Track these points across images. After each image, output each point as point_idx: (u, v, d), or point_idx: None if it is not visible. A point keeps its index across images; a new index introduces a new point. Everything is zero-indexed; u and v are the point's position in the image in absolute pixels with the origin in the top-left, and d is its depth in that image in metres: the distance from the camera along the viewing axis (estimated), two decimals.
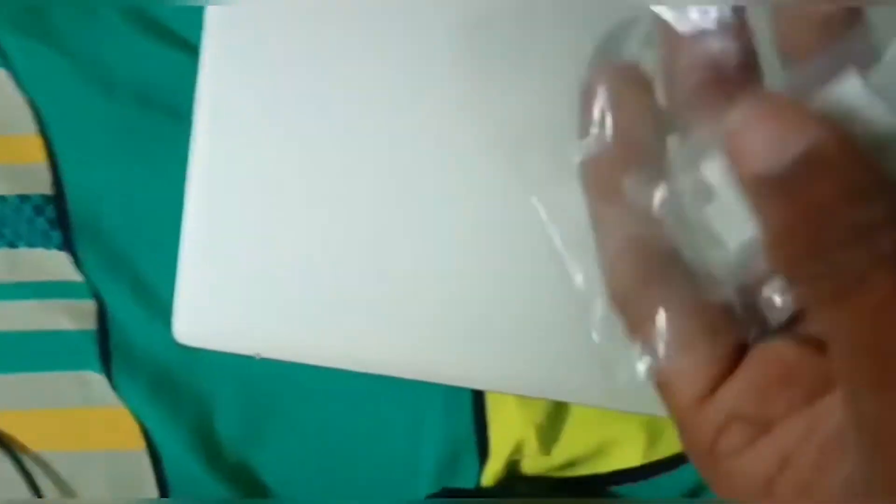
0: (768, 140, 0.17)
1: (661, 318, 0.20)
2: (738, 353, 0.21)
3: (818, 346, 0.20)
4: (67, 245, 0.50)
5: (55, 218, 0.50)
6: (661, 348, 0.20)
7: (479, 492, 0.46)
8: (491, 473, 0.46)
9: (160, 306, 0.47)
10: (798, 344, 0.20)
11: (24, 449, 0.50)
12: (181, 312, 0.45)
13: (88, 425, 0.50)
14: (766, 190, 0.17)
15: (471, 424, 0.46)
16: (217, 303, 0.45)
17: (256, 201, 0.44)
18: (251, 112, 0.45)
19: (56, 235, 0.50)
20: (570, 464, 0.46)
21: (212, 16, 0.44)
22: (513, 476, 0.46)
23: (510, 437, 0.46)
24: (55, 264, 0.50)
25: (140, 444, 0.49)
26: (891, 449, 0.17)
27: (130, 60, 0.49)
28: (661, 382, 0.21)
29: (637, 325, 0.21)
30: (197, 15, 0.43)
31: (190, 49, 0.48)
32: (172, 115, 0.48)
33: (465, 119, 0.41)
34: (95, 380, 0.50)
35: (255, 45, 0.44)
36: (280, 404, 0.49)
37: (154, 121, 0.49)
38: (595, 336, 0.21)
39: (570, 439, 0.46)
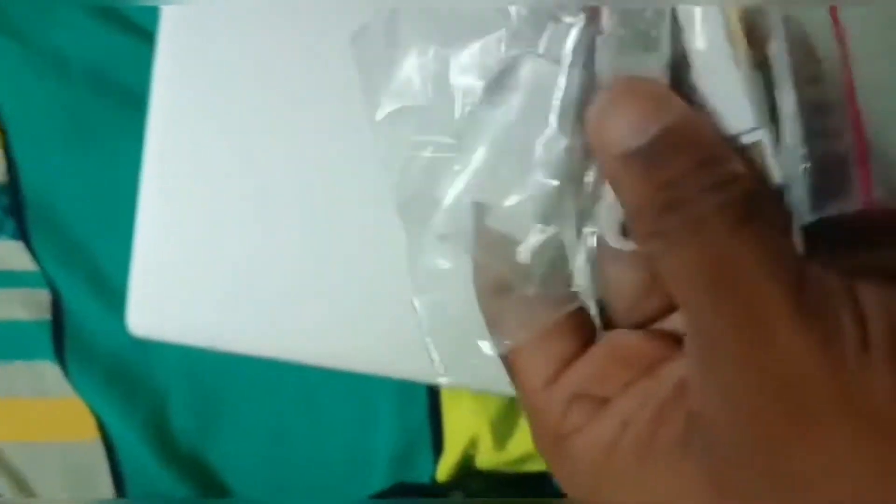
0: (629, 121, 0.19)
1: (514, 314, 0.22)
2: (586, 344, 0.22)
3: (661, 336, 0.21)
4: (22, 234, 0.49)
5: (9, 206, 0.49)
6: (510, 339, 0.22)
7: (434, 488, 0.46)
8: (445, 468, 0.46)
9: (115, 297, 0.47)
10: (643, 333, 0.22)
11: None
12: (135, 304, 0.45)
13: (42, 416, 0.50)
14: (628, 168, 0.19)
15: (425, 418, 0.46)
16: (170, 295, 0.45)
17: (208, 196, 0.44)
18: (204, 105, 0.44)
19: (10, 224, 0.49)
20: (525, 459, 0.46)
21: (167, 7, 0.43)
22: (467, 471, 0.46)
23: (465, 431, 0.46)
24: (9, 253, 0.49)
25: (94, 435, 0.49)
26: (721, 349, 0.18)
27: (84, 47, 0.48)
28: (512, 370, 0.22)
29: (493, 322, 0.22)
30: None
31: (144, 35, 0.48)
32: (127, 102, 0.47)
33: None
34: (50, 370, 0.49)
35: (209, 39, 0.43)
36: (234, 397, 0.48)
37: (109, 108, 0.48)
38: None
39: (524, 434, 0.46)
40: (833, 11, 0.21)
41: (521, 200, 0.21)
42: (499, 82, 0.22)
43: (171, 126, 0.44)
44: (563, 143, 0.21)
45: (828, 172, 0.20)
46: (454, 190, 0.22)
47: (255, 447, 0.48)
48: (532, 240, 0.22)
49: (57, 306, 0.49)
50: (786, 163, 0.20)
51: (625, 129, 0.19)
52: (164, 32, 0.43)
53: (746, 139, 0.19)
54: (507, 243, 0.22)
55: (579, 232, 0.22)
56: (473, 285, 0.22)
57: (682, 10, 0.20)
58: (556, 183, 0.21)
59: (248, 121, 0.44)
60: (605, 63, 0.20)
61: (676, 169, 0.18)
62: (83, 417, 0.49)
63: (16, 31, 0.48)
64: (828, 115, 0.20)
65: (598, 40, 0.20)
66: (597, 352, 0.22)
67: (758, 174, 0.19)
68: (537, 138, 0.21)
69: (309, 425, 0.48)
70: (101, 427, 0.49)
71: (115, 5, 0.48)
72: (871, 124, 0.20)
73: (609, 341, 0.22)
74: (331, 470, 0.48)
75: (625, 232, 0.21)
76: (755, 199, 0.18)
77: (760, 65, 0.20)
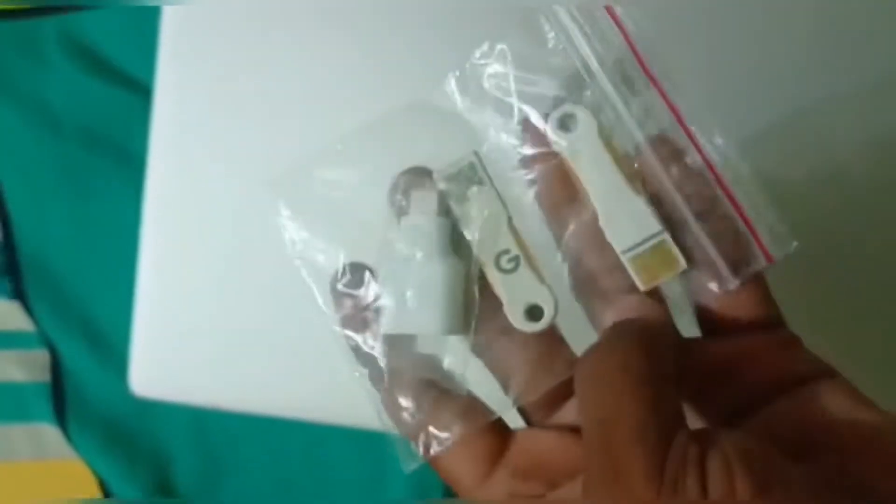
0: None
1: (435, 425, 0.25)
2: (503, 437, 0.25)
3: (571, 437, 0.24)
4: (18, 294, 0.48)
5: (5, 265, 0.48)
6: (435, 447, 0.24)
7: None
8: None
9: (114, 356, 0.46)
10: (556, 435, 0.25)
11: None
12: (137, 364, 0.44)
13: (42, 478, 0.49)
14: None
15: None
16: (172, 355, 0.44)
17: (209, 256, 0.43)
18: (203, 156, 0.44)
19: (6, 284, 0.48)
20: None
21: (164, 59, 0.43)
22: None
23: None
24: (6, 313, 0.48)
25: (97, 497, 0.48)
26: (593, 485, 0.21)
27: (77, 101, 0.48)
28: (442, 470, 0.25)
29: (416, 431, 0.25)
30: (144, 53, 0.42)
31: (137, 88, 0.47)
32: (120, 157, 0.47)
33: None
34: (49, 432, 0.48)
35: (205, 96, 0.43)
36: (238, 456, 0.48)
37: (102, 163, 0.48)
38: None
39: None
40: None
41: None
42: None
43: (168, 185, 0.44)
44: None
45: (731, 247, 0.24)
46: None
47: None
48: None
49: (56, 367, 0.48)
50: (694, 250, 0.24)
51: None
52: (160, 90, 0.43)
53: (654, 241, 0.24)
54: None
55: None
56: (384, 397, 0.25)
57: (564, 149, 0.25)
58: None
59: (246, 178, 0.43)
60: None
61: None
62: (85, 479, 0.48)
63: (8, 86, 0.48)
64: (713, 206, 0.24)
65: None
66: (519, 456, 0.24)
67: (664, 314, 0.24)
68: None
69: (317, 482, 0.47)
70: (104, 488, 0.48)
71: (104, 52, 0.47)
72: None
73: (527, 444, 0.24)
74: None
75: (530, 316, 0.25)
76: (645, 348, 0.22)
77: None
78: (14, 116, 0.48)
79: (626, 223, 0.25)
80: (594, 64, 0.25)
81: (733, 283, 0.24)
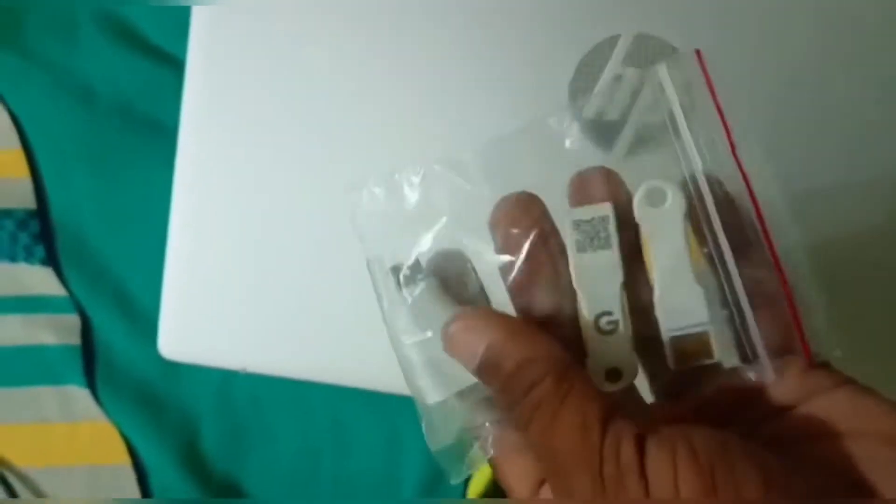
0: (466, 350, 0.24)
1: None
2: None
3: None
4: (51, 260, 0.50)
5: (38, 233, 0.49)
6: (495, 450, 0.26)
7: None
8: (475, 487, 0.46)
9: (143, 321, 0.47)
10: None
11: (6, 464, 0.50)
12: (166, 328, 0.45)
13: (73, 440, 0.50)
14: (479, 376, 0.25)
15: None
16: (201, 318, 0.45)
17: (237, 221, 0.44)
18: (235, 129, 0.45)
19: (39, 250, 0.50)
20: None
21: (196, 29, 0.44)
22: (497, 490, 0.47)
23: None
24: (39, 279, 0.50)
25: (125, 459, 0.49)
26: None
27: (110, 74, 0.49)
28: (497, 471, 0.26)
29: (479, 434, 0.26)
30: (176, 27, 0.43)
31: (170, 61, 0.49)
32: (153, 127, 0.48)
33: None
34: (80, 394, 0.50)
35: (238, 68, 0.44)
36: (263, 420, 0.49)
37: (134, 136, 0.49)
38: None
39: None
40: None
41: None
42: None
43: (199, 154, 0.45)
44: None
45: (777, 339, 0.25)
46: None
47: (284, 469, 0.49)
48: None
49: (86, 331, 0.50)
50: (741, 335, 0.25)
51: (465, 357, 0.25)
52: (192, 61, 0.44)
53: (698, 329, 0.25)
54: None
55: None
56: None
57: (645, 222, 0.26)
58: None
59: (276, 148, 0.44)
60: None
61: (496, 384, 0.24)
62: (113, 441, 0.50)
63: (44, 62, 0.49)
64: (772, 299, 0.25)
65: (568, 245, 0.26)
66: None
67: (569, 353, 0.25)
68: None
69: (337, 447, 0.48)
70: (131, 450, 0.50)
71: (137, 25, 0.49)
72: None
73: None
74: (361, 489, 0.48)
75: (608, 377, 0.25)
76: (563, 389, 0.23)
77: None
78: (50, 89, 0.49)
79: (680, 307, 0.25)
80: (682, 120, 0.26)
81: (769, 378, 0.25)
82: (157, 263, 0.45)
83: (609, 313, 0.25)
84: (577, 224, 0.26)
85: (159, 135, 0.47)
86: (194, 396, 0.49)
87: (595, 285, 0.26)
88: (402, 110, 0.43)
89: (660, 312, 0.25)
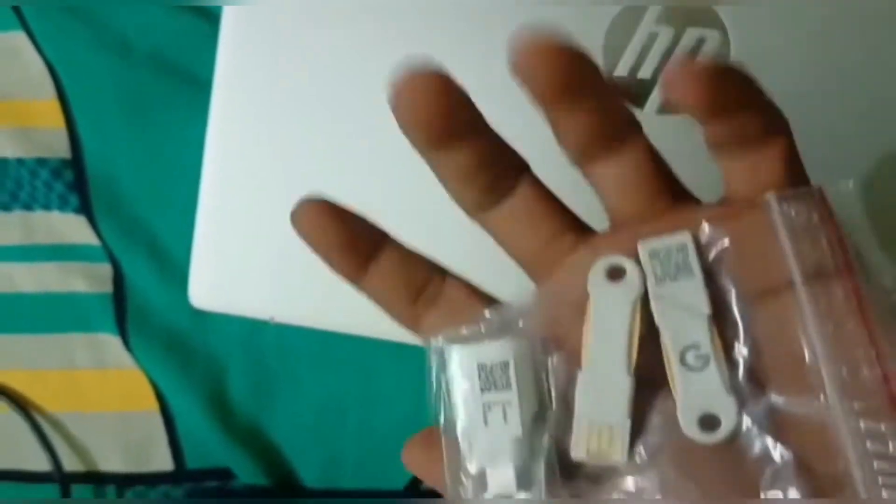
0: None
1: None
2: None
3: None
4: (85, 209, 0.50)
5: (73, 182, 0.50)
6: None
7: None
8: None
9: (175, 271, 0.48)
10: None
11: (38, 409, 0.51)
12: (196, 277, 0.46)
13: (103, 386, 0.51)
14: None
15: None
16: (231, 268, 0.46)
17: (268, 172, 0.45)
18: (268, 82, 0.45)
19: (73, 199, 0.50)
20: None
21: None
22: None
23: None
24: (72, 228, 0.51)
25: (153, 406, 0.51)
26: None
27: (148, 29, 0.50)
28: None
29: None
30: None
31: (205, 15, 0.49)
32: (188, 80, 0.49)
33: None
34: (111, 342, 0.51)
35: (273, 20, 0.44)
36: (290, 369, 0.50)
37: (170, 88, 0.50)
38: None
39: None
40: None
41: None
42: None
43: (233, 106, 0.46)
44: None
45: None
46: None
47: (310, 418, 0.50)
48: None
49: (118, 279, 0.51)
50: None
51: None
52: (227, 14, 0.45)
53: (614, 426, 0.24)
54: None
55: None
56: None
57: (595, 296, 0.24)
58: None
59: (309, 100, 0.45)
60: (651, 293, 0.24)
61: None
62: (143, 388, 0.51)
63: (82, 13, 0.50)
64: None
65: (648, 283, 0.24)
66: None
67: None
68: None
69: (363, 397, 0.49)
70: (160, 397, 0.51)
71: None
72: None
73: None
74: (384, 440, 0.49)
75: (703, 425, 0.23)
76: None
77: None
78: (88, 41, 0.50)
79: (602, 394, 0.24)
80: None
81: None
82: (190, 214, 0.46)
83: (696, 346, 0.24)
84: (655, 254, 0.24)
85: (194, 88, 0.47)
86: (223, 346, 0.50)
87: (680, 317, 0.24)
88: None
89: (577, 396, 0.24)
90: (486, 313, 0.26)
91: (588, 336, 0.24)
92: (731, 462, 0.23)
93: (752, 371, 0.23)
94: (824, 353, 0.23)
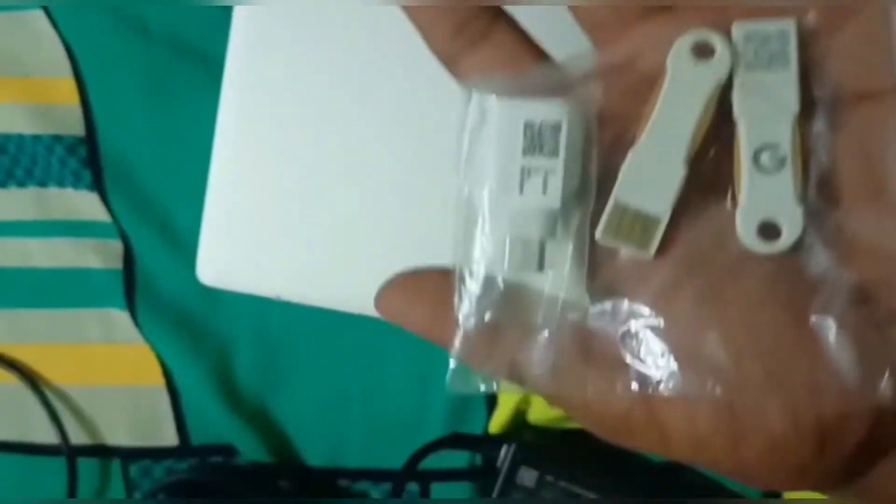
0: None
1: None
2: None
3: None
4: (97, 186, 0.51)
5: (86, 159, 0.51)
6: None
7: (488, 438, 0.48)
8: (498, 421, 0.48)
9: (185, 248, 0.49)
10: None
11: (47, 383, 0.52)
12: (205, 254, 0.47)
13: (111, 361, 0.52)
14: None
15: None
16: (240, 246, 0.47)
17: (278, 151, 0.46)
18: (279, 63, 0.46)
19: (87, 176, 0.51)
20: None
21: None
22: (520, 424, 0.48)
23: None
24: (85, 204, 0.51)
25: (160, 381, 0.51)
26: None
27: (165, 10, 0.50)
28: None
29: None
30: None
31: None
32: (204, 62, 0.49)
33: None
34: (120, 318, 0.51)
35: (285, 5, 0.45)
36: (297, 349, 0.50)
37: (186, 67, 0.50)
38: None
39: None
40: None
41: None
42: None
43: (244, 86, 0.46)
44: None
45: None
46: None
47: (316, 398, 0.50)
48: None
49: (129, 256, 0.51)
50: None
51: None
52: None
53: (645, 211, 0.22)
54: None
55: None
56: None
57: (673, 73, 0.22)
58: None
59: (318, 81, 0.46)
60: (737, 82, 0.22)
61: None
62: (150, 364, 0.51)
63: None
64: None
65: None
66: None
67: None
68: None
69: (369, 379, 0.50)
70: (167, 373, 0.51)
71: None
72: None
73: None
74: (388, 421, 0.49)
75: (762, 233, 0.21)
76: None
77: None
78: (104, 20, 0.50)
79: (648, 180, 0.22)
80: None
81: None
82: (201, 193, 0.47)
83: (775, 146, 0.21)
84: (750, 36, 0.22)
85: (209, 69, 0.48)
86: (231, 324, 0.50)
87: (764, 110, 0.21)
88: None
89: (622, 174, 0.22)
90: (538, 69, 0.23)
91: (653, 114, 0.22)
92: (784, 278, 0.21)
93: (827, 182, 0.21)
94: None
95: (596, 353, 0.22)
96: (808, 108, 0.21)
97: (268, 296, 0.46)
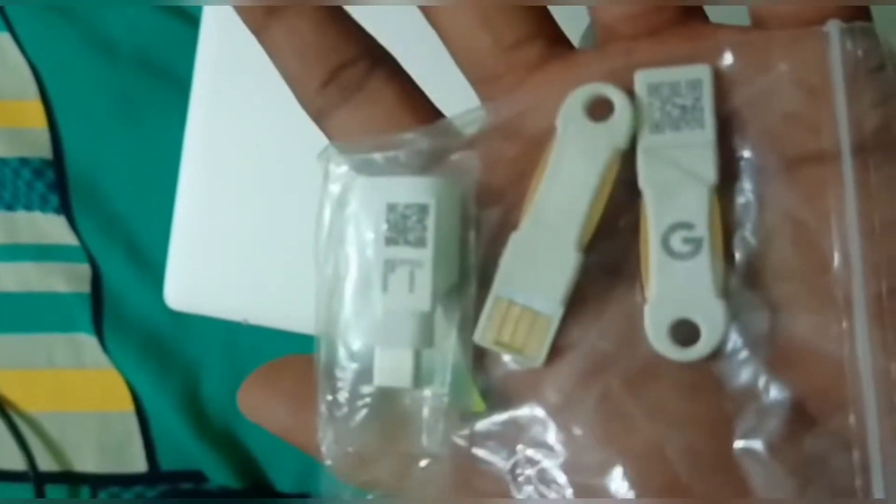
0: None
1: None
2: None
3: None
4: (65, 209, 0.51)
5: (54, 182, 0.51)
6: None
7: None
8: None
9: (153, 272, 0.48)
10: None
11: (15, 408, 0.51)
12: (173, 278, 0.46)
13: (79, 386, 0.51)
14: None
15: None
16: (207, 269, 0.46)
17: (246, 175, 0.45)
18: (246, 84, 0.46)
19: (54, 199, 0.51)
20: None
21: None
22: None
23: None
24: (52, 228, 0.51)
25: (129, 406, 0.50)
26: None
27: (131, 27, 0.50)
28: None
29: None
30: None
31: (190, 20, 0.49)
32: (171, 82, 0.49)
33: None
34: (88, 342, 0.51)
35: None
36: None
37: (153, 89, 0.50)
38: None
39: None
40: None
41: None
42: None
43: (211, 108, 0.46)
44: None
45: None
46: None
47: None
48: None
49: (96, 280, 0.51)
50: None
51: None
52: (207, 18, 0.45)
53: (529, 308, 0.18)
54: None
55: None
56: None
57: (567, 133, 0.18)
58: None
59: (286, 102, 0.45)
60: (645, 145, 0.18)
61: None
62: (119, 389, 0.51)
63: (64, 9, 0.50)
64: None
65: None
66: None
67: None
68: None
69: None
70: (136, 398, 0.51)
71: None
72: None
73: None
74: None
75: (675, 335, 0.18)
76: None
77: None
78: (71, 40, 0.50)
79: (534, 269, 0.18)
80: None
81: None
82: (169, 215, 0.46)
83: (688, 226, 0.17)
84: (656, 88, 0.17)
85: (177, 90, 0.48)
86: (199, 348, 0.50)
87: (674, 181, 0.17)
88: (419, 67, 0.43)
89: (502, 265, 0.18)
90: (410, 134, 0.19)
91: (539, 186, 0.18)
92: (703, 390, 0.17)
93: (755, 270, 0.17)
94: (861, 257, 0.16)
95: (476, 490, 0.19)
96: (728, 176, 0.18)
97: (236, 320, 0.46)
